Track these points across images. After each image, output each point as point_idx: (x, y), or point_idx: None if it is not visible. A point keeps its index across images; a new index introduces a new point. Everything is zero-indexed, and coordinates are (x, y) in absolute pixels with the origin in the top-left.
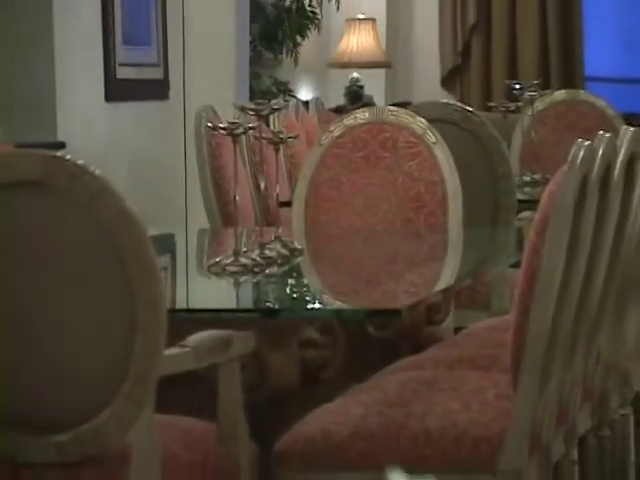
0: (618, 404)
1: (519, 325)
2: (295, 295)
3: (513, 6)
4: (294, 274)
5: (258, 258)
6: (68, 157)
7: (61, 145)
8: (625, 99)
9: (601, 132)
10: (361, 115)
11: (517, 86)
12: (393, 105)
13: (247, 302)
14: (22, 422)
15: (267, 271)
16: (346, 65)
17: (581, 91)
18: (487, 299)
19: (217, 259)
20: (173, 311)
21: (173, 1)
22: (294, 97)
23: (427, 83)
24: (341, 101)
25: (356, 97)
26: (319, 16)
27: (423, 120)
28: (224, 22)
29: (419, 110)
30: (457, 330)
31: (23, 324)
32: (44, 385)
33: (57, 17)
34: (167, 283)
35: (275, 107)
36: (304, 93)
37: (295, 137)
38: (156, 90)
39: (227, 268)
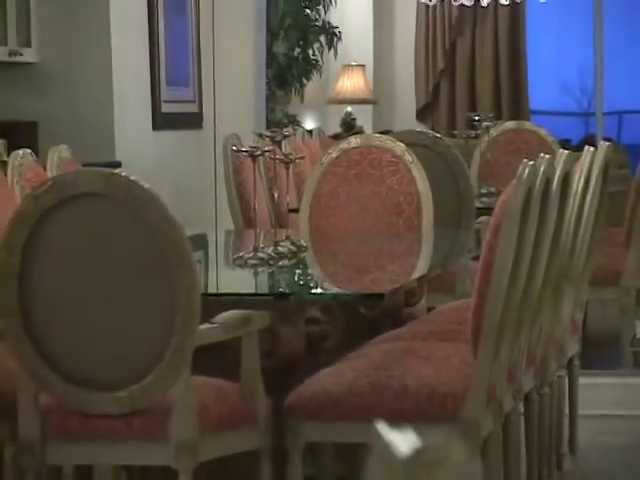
0: (555, 368)
1: (478, 306)
2: (302, 282)
3: (473, 56)
4: (301, 266)
5: (272, 253)
6: (124, 174)
7: (118, 164)
8: (561, 128)
9: (542, 154)
10: (353, 140)
11: (476, 118)
12: (378, 133)
13: (264, 288)
14: (90, 382)
15: (279, 263)
16: (341, 102)
17: (526, 122)
18: (452, 285)
19: (240, 254)
20: (205, 295)
21: (206, 51)
22: (301, 126)
23: (405, 116)
24: (338, 129)
25: (349, 126)
26: (320, 63)
27: (402, 144)
28: (246, 68)
29: (399, 137)
30: (429, 310)
31: (92, 308)
32: (106, 354)
33: (115, 65)
34: (201, 272)
35: (286, 134)
36: (308, 123)
37: (301, 158)
38: (192, 121)
39: (248, 261)
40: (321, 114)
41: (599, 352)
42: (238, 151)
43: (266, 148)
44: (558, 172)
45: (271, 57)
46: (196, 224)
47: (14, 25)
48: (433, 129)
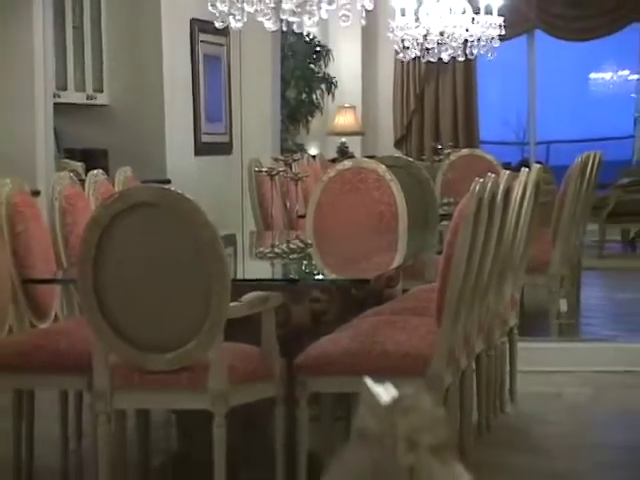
0: (499, 335)
1: (441, 288)
2: (307, 270)
3: (437, 99)
4: (307, 258)
5: (285, 248)
6: (173, 188)
7: (168, 181)
8: (503, 154)
9: (489, 174)
10: (347, 163)
11: (439, 146)
12: (366, 157)
13: (278, 275)
14: (148, 346)
15: (290, 256)
16: (338, 134)
17: (477, 149)
18: (422, 273)
19: (261, 249)
20: (234, 280)
21: (235, 95)
22: (307, 153)
23: (386, 144)
24: (335, 155)
25: (344, 153)
26: (321, 105)
27: (383, 166)
28: (265, 108)
29: (381, 160)
30: (404, 291)
31: (149, 291)
32: (159, 325)
33: (167, 106)
34: (231, 263)
35: (295, 159)
36: (313, 150)
37: (307, 176)
38: (224, 149)
39: (267, 255)
40: (322, 143)
41: (532, 323)
42: (259, 171)
43: (280, 169)
44: (501, 187)
45: (284, 100)
46: (227, 227)
47: (90, 76)
48: (407, 155)
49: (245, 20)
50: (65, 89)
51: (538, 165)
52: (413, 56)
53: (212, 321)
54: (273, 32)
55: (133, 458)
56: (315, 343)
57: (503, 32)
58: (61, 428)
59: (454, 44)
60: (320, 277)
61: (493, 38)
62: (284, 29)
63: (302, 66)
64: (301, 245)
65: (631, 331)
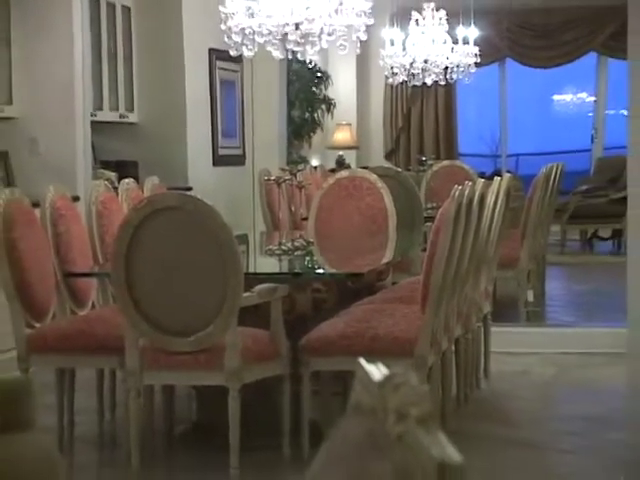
0: (475, 321)
1: (425, 281)
2: (310, 265)
3: (421, 118)
4: (309, 255)
5: (290, 246)
6: (194, 194)
7: (190, 188)
8: (478, 165)
9: (467, 182)
10: (344, 173)
11: (423, 158)
12: (360, 168)
13: (285, 269)
14: (172, 330)
15: (295, 253)
16: (336, 148)
17: (456, 161)
18: (409, 267)
19: (269, 247)
20: (247, 274)
21: (247, 114)
22: (309, 164)
23: (377, 157)
24: (333, 166)
25: (341, 164)
26: (322, 122)
27: (375, 175)
28: (273, 125)
29: (373, 170)
30: (394, 283)
31: (172, 283)
32: (182, 312)
33: (189, 123)
34: (244, 259)
35: (299, 169)
36: (314, 162)
37: (309, 184)
38: (238, 160)
39: (275, 252)
40: (322, 156)
41: (504, 311)
42: (268, 180)
43: (286, 178)
44: (477, 194)
45: (290, 119)
46: (240, 227)
47: (123, 98)
48: (396, 165)
49: (256, 50)
50: (101, 109)
51: (508, 174)
52: (401, 80)
53: (228, 309)
54: (280, 60)
55: (159, 427)
56: (316, 328)
57: (478, 60)
58: (97, 401)
59: (436, 70)
60: (321, 271)
61: (470, 65)
62: (290, 57)
63: (305, 89)
64: (304, 243)
65: (588, 317)
